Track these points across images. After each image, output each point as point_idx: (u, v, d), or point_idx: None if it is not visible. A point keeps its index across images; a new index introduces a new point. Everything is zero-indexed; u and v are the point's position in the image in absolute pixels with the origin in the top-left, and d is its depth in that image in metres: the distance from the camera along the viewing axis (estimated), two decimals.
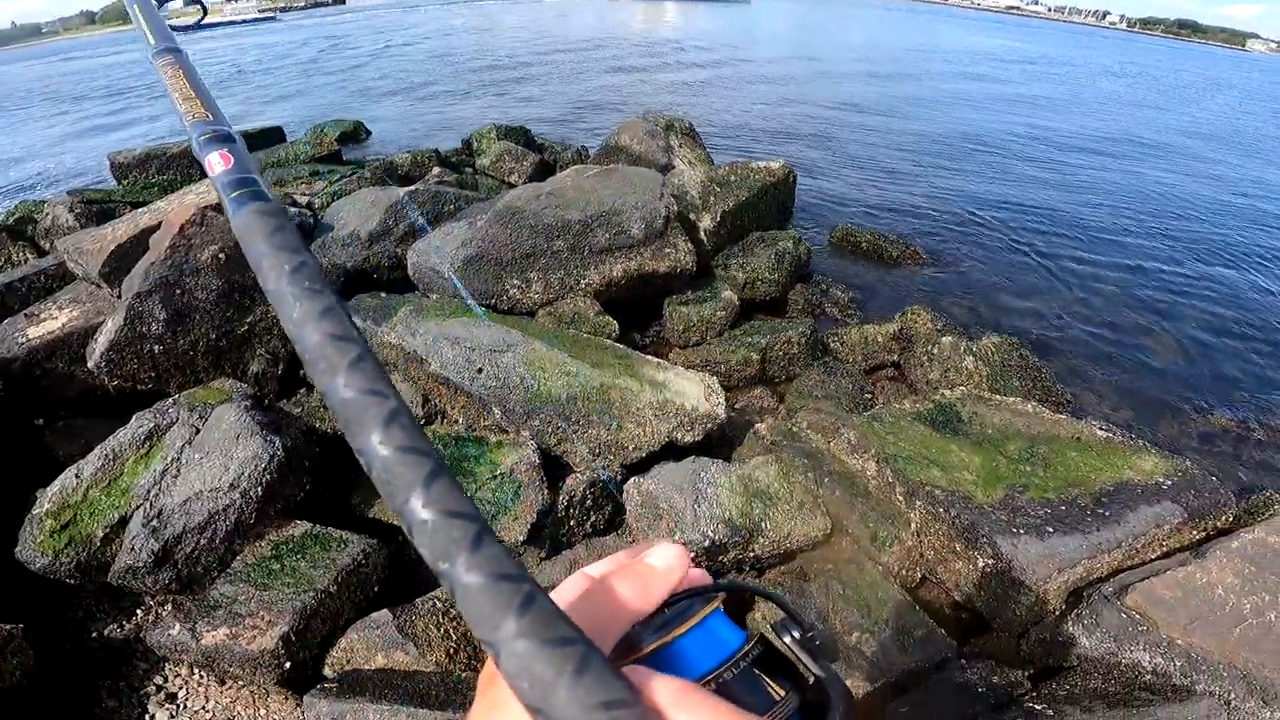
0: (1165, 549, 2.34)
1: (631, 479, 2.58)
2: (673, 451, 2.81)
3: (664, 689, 0.32)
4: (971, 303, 4.92)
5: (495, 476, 2.61)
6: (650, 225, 3.75)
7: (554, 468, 2.80)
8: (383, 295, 3.67)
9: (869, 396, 3.49)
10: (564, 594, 0.39)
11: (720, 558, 2.33)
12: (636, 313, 3.97)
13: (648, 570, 0.40)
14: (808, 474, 2.54)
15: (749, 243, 4.44)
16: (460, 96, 11.26)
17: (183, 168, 6.05)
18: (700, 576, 0.44)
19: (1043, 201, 6.94)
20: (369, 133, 8.09)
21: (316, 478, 2.62)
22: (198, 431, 2.51)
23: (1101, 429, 2.79)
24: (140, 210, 4.25)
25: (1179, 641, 2.01)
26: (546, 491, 2.57)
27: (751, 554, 2.37)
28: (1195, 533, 2.38)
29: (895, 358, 3.75)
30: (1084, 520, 2.29)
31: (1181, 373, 4.39)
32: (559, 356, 3.04)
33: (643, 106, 9.03)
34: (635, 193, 3.84)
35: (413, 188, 4.54)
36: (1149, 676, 2.01)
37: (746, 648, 0.41)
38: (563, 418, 2.86)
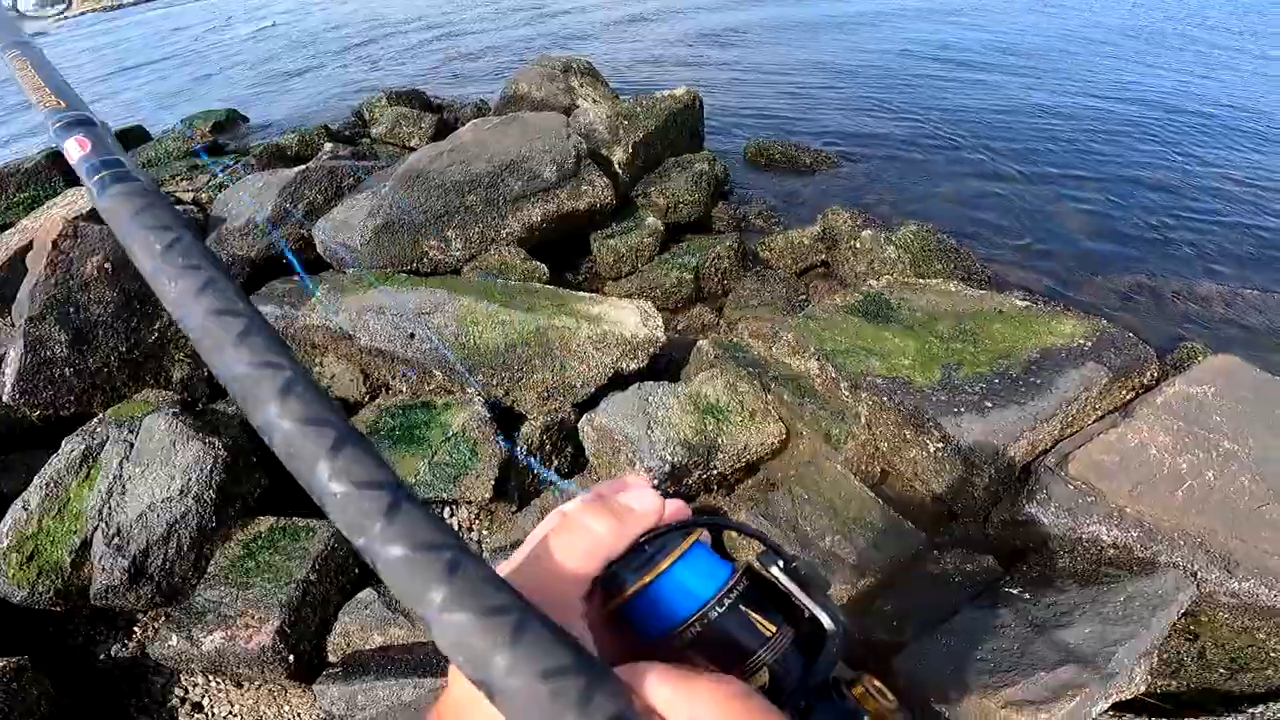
0: (1098, 412, 2.41)
1: (584, 416, 2.59)
2: (621, 383, 2.83)
3: (655, 682, 0.31)
4: (887, 197, 5.04)
5: (449, 438, 2.59)
6: (562, 166, 3.67)
7: (507, 419, 2.78)
8: (295, 278, 3.49)
9: (804, 297, 3.58)
10: (539, 535, 0.38)
11: (685, 480, 2.38)
12: (565, 253, 3.92)
13: (622, 508, 0.39)
14: (754, 383, 2.59)
15: (665, 169, 4.40)
16: (346, 68, 10.53)
17: (45, 181, 5.50)
18: (679, 510, 0.43)
19: (946, 104, 7.07)
20: (245, 119, 7.50)
21: (269, 471, 2.56)
22: (132, 446, 2.42)
23: (1021, 299, 2.93)
24: (9, 232, 3.88)
25: (1129, 510, 2.04)
26: (503, 444, 2.54)
27: (715, 471, 2.42)
28: (1123, 391, 2.46)
29: (823, 257, 3.84)
30: (1018, 391, 2.38)
31: (1089, 240, 4.61)
32: (490, 308, 2.98)
33: (539, 52, 8.68)
34: (541, 137, 3.74)
35: (303, 167, 4.27)
36: (1111, 551, 2.04)
37: (732, 581, 0.39)
38: (505, 367, 2.84)
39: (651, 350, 2.81)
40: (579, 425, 2.60)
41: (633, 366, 2.83)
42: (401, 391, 3.05)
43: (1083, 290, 4.07)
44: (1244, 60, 8.67)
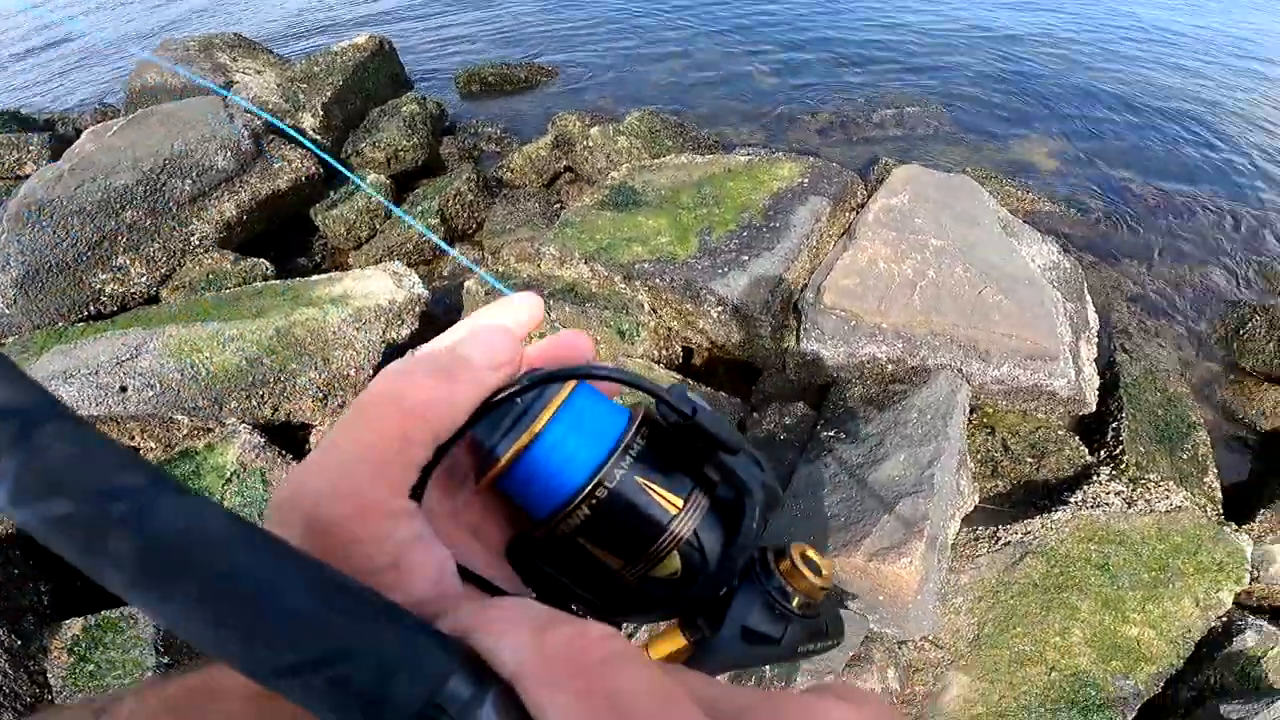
0: (832, 237, 2.62)
1: None
2: (401, 351, 2.60)
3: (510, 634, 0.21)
4: (608, 93, 5.10)
5: (229, 478, 2.28)
6: (238, 150, 3.12)
7: (288, 433, 2.52)
8: None
9: (559, 205, 3.52)
10: (347, 413, 0.28)
11: None
12: (289, 239, 3.44)
13: (456, 362, 0.28)
14: None
15: (372, 121, 3.96)
16: None
17: None
18: (555, 347, 0.33)
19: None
20: None
21: (46, 572, 2.17)
22: None
23: (743, 155, 3.13)
24: None
25: (884, 324, 2.17)
26: (294, 461, 2.32)
27: None
28: (845, 213, 2.72)
29: (564, 163, 3.79)
30: (765, 237, 2.54)
31: (783, 93, 5.09)
32: (208, 329, 2.51)
33: (163, 37, 7.21)
34: (194, 127, 3.13)
35: None
36: (890, 366, 2.16)
37: (626, 439, 0.30)
38: (260, 384, 2.46)
39: (417, 309, 2.57)
40: None
41: (405, 332, 2.59)
42: (152, 449, 2.57)
43: (788, 135, 4.53)
44: None
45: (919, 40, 6.03)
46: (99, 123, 4.46)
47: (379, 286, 2.57)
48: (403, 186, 3.72)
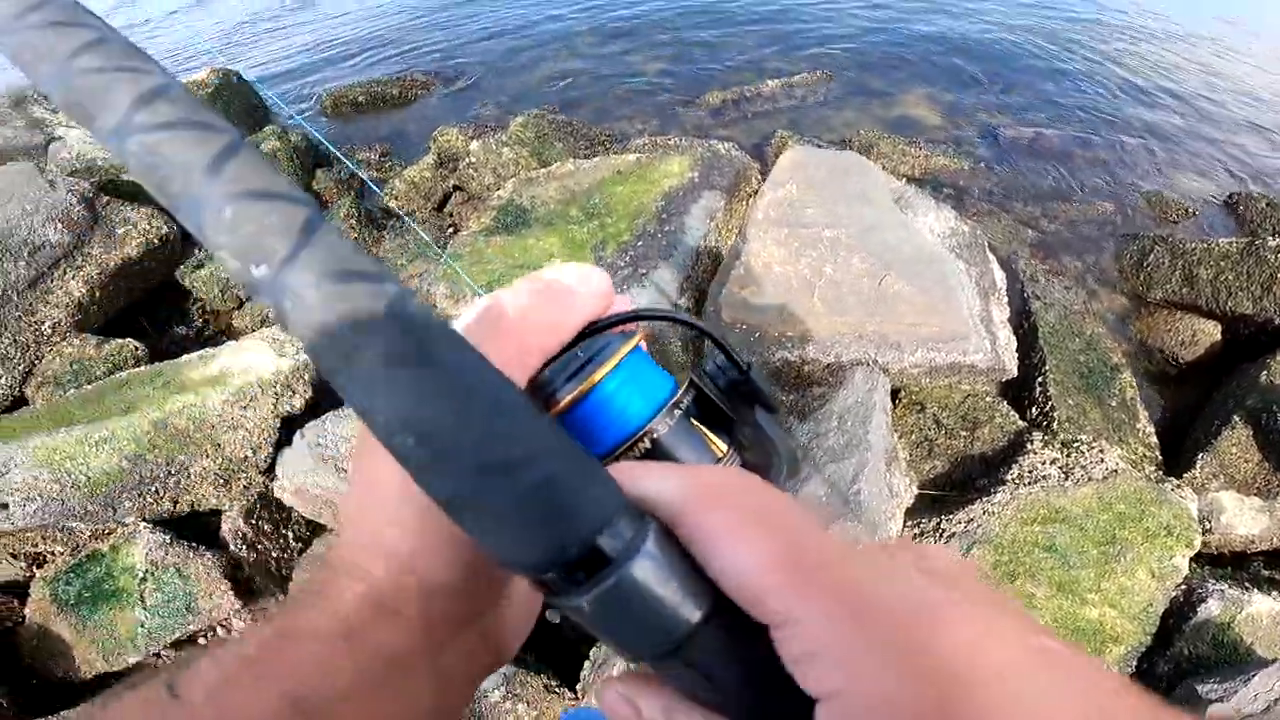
0: (731, 232, 2.53)
1: (275, 487, 2.27)
2: (301, 421, 2.42)
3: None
4: (490, 98, 4.88)
5: (143, 578, 2.20)
6: (69, 218, 2.79)
7: (196, 523, 2.38)
8: None
9: (452, 230, 3.32)
10: (464, 322, 0.31)
11: None
12: (162, 305, 3.14)
13: (562, 289, 0.32)
14: None
15: None
16: None
17: None
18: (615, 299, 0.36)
19: None
20: None
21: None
22: None
23: (632, 154, 3.01)
24: None
25: (789, 332, 2.11)
26: (209, 552, 2.22)
27: None
28: (740, 205, 2.63)
29: (452, 182, 3.58)
30: (661, 245, 2.45)
31: (671, 73, 5.02)
32: (75, 433, 2.29)
33: None
34: (11, 200, 2.76)
35: None
36: (807, 368, 2.09)
37: (679, 394, 0.34)
38: (149, 480, 2.29)
39: (308, 377, 2.39)
40: (277, 495, 2.29)
41: (298, 403, 2.41)
42: (60, 553, 2.40)
43: (681, 119, 4.46)
44: None
45: (796, 7, 6.05)
46: None
47: (260, 359, 2.38)
48: None
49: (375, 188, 3.03)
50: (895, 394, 2.28)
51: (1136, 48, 5.56)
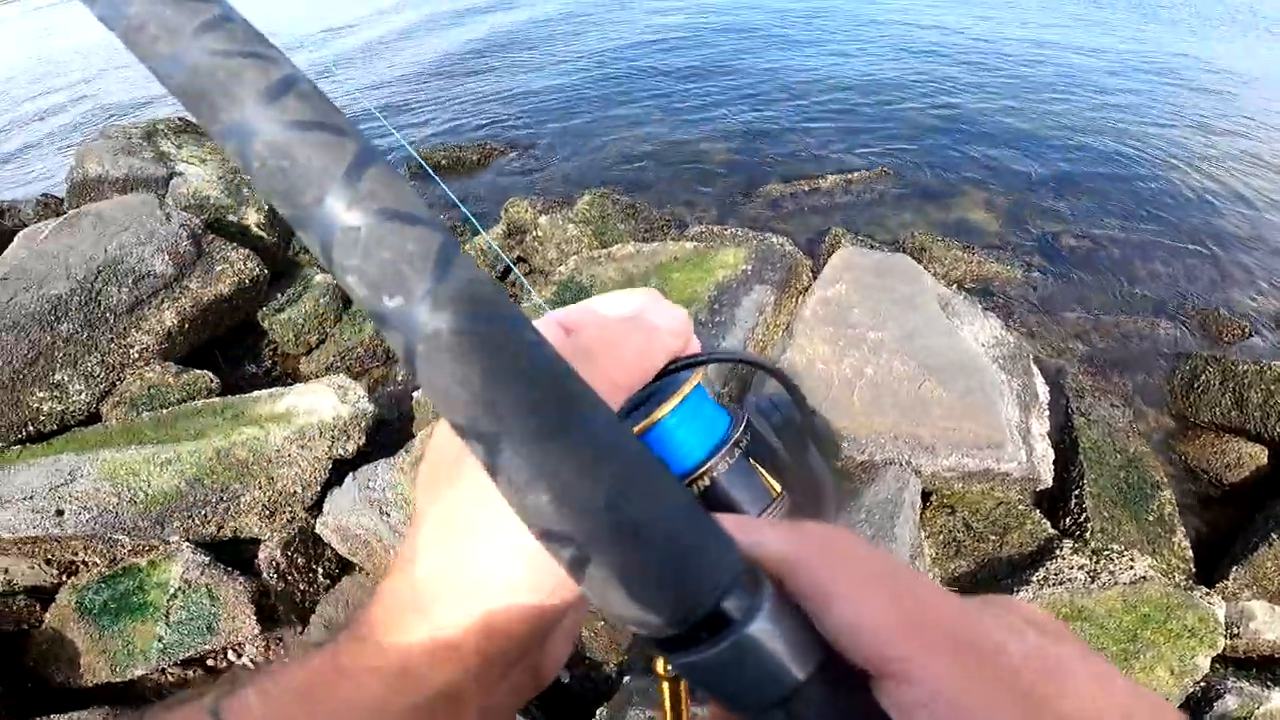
0: (779, 327, 2.61)
1: (318, 521, 2.34)
2: (352, 465, 2.54)
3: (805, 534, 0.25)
4: (561, 172, 5.17)
5: (174, 595, 2.28)
6: (176, 252, 3.06)
7: (234, 549, 2.48)
8: None
9: (512, 299, 3.47)
10: (586, 346, 0.31)
11: None
12: (236, 344, 3.36)
13: (652, 329, 0.32)
14: None
15: None
16: None
17: None
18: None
19: (587, 72, 7.39)
20: None
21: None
22: None
23: (689, 241, 3.16)
24: None
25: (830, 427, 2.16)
26: (242, 578, 2.30)
27: None
28: (790, 300, 2.71)
29: (516, 253, 3.78)
30: (709, 334, 2.52)
31: (733, 163, 5.23)
32: (144, 452, 2.45)
33: (106, 119, 7.21)
34: (128, 229, 3.06)
35: None
36: (841, 463, 2.10)
37: (738, 434, 0.34)
38: (200, 504, 2.42)
39: (363, 424, 2.53)
40: (318, 530, 2.37)
41: (351, 448, 2.54)
42: (96, 564, 2.51)
43: (741, 210, 4.63)
44: None
45: (863, 99, 6.24)
46: (41, 217, 4.39)
47: (323, 402, 2.53)
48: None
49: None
50: (927, 495, 2.30)
51: (1211, 147, 5.38)
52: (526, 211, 3.80)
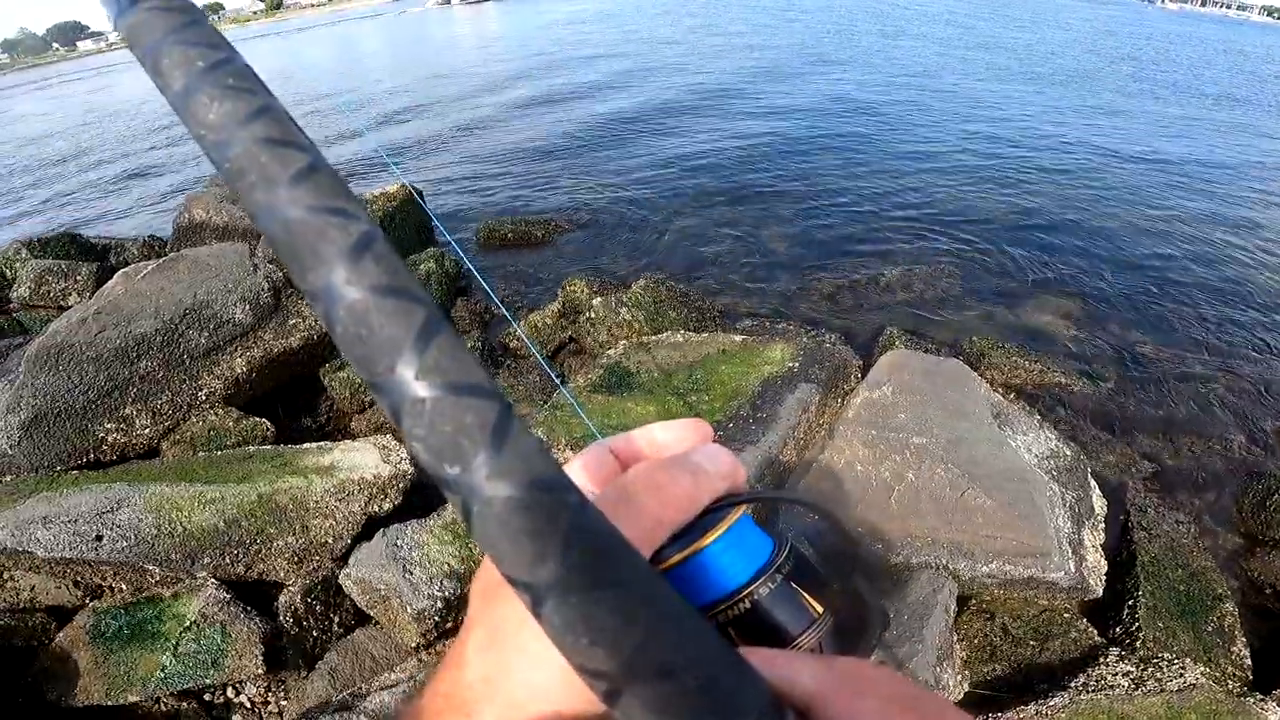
0: (822, 427, 2.58)
1: (342, 573, 2.39)
2: (384, 523, 2.57)
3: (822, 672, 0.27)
4: (620, 253, 5.35)
5: (189, 628, 2.32)
6: (257, 303, 3.27)
7: (258, 591, 2.53)
8: None
9: (560, 378, 3.54)
10: (582, 466, 0.35)
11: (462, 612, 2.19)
12: (296, 396, 3.51)
13: (698, 468, 0.34)
14: None
15: None
16: None
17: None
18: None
19: (654, 155, 7.78)
20: None
21: None
22: None
23: (738, 334, 3.19)
24: None
25: (861, 529, 2.13)
26: (259, 618, 2.33)
27: None
28: (834, 400, 2.69)
29: (569, 333, 3.87)
30: (751, 429, 2.53)
31: (792, 254, 5.26)
32: (192, 489, 2.55)
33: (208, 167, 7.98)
34: (219, 276, 3.31)
35: None
36: (872, 563, 2.08)
37: (780, 559, 0.36)
38: (235, 544, 2.49)
39: (402, 485, 2.57)
40: (339, 582, 2.42)
41: (386, 506, 2.57)
42: (121, 589, 2.59)
43: (796, 304, 4.61)
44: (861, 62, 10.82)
45: (930, 189, 6.20)
46: (144, 257, 4.78)
47: (367, 460, 2.59)
48: None
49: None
50: (965, 600, 2.23)
51: None
52: (583, 291, 3.92)
